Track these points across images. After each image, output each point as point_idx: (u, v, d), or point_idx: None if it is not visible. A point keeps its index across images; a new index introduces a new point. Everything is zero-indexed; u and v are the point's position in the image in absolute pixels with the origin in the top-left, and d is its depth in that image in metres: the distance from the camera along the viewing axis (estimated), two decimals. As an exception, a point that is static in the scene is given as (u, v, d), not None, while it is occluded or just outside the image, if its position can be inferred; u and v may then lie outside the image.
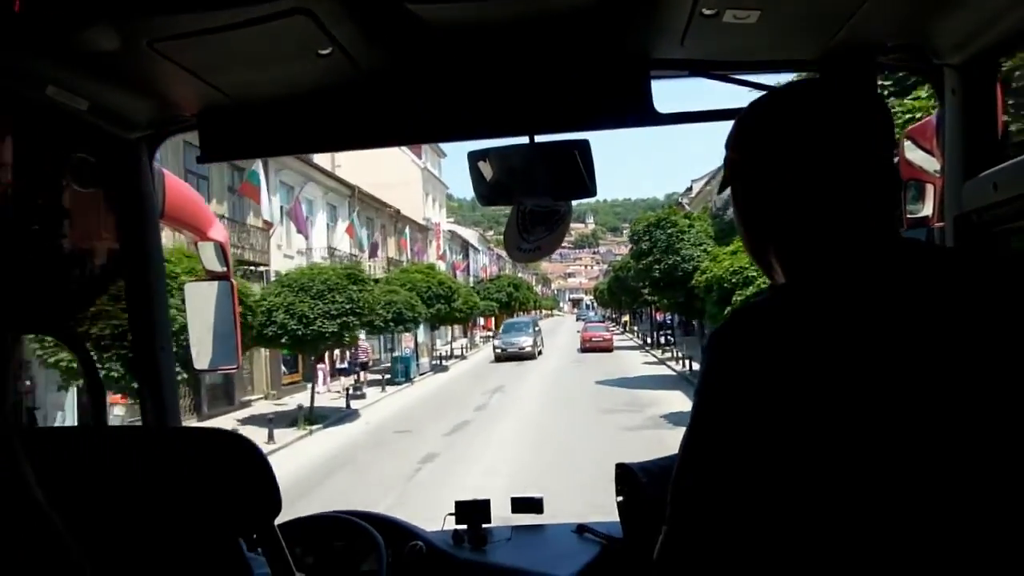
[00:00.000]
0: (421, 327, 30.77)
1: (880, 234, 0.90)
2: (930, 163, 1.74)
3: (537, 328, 39.24)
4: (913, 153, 1.77)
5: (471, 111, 1.66)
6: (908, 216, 1.81)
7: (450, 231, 51.98)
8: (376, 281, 25.27)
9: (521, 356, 34.44)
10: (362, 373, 25.52)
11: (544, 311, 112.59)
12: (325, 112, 1.67)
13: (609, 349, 38.36)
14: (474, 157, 1.73)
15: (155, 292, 1.83)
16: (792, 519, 0.80)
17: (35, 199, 1.63)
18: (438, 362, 34.68)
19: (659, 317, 39.98)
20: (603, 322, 56.87)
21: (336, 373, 25.91)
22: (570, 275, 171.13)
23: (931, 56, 1.49)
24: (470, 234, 59.84)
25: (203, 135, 1.72)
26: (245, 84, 1.58)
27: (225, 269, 2.23)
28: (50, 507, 1.09)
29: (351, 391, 22.54)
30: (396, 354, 29.89)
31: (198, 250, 2.22)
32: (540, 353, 36.47)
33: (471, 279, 53.75)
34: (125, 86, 1.55)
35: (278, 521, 1.76)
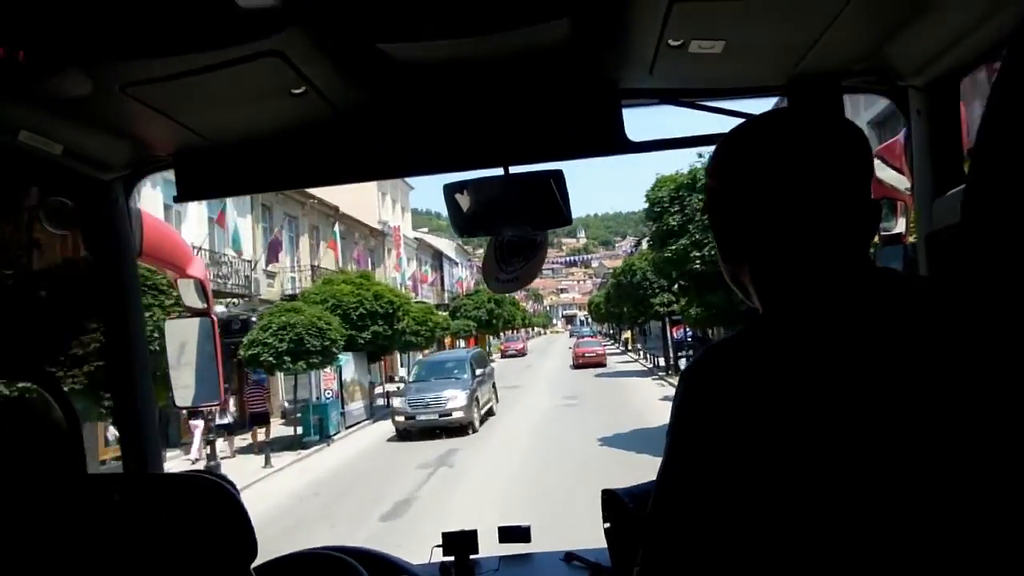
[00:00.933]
0: (349, 359, 20.53)
1: (852, 263, 0.91)
2: (900, 181, 1.77)
3: (483, 371, 20.93)
4: (883, 172, 1.80)
5: (446, 145, 1.67)
6: (882, 233, 1.83)
7: (418, 239, 45.40)
8: (293, 298, 19.87)
9: (445, 428, 17.84)
10: (260, 431, 17.01)
11: (536, 328, 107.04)
12: (300, 149, 1.68)
13: (602, 364, 38.22)
14: (450, 189, 1.74)
15: (133, 331, 1.82)
16: (763, 552, 0.80)
17: (10, 243, 1.63)
18: (385, 401, 23.61)
19: (675, 333, 28.44)
20: (595, 337, 56.72)
21: (218, 431, 15.78)
22: (563, 291, 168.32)
23: (895, 78, 1.52)
24: (445, 244, 53.62)
25: (179, 175, 1.72)
26: (219, 124, 1.59)
27: (206, 305, 2.22)
28: (32, 554, 1.08)
29: (209, 460, 14.56)
30: (309, 399, 18.62)
31: (178, 287, 2.22)
32: (491, 415, 20.58)
33: (446, 294, 48.83)
34: (99, 129, 1.56)
35: (265, 559, 1.75)
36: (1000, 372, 0.79)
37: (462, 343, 41.71)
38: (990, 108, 0.81)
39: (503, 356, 51.80)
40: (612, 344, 62.16)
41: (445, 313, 36.11)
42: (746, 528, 0.80)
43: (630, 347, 50.10)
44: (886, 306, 0.86)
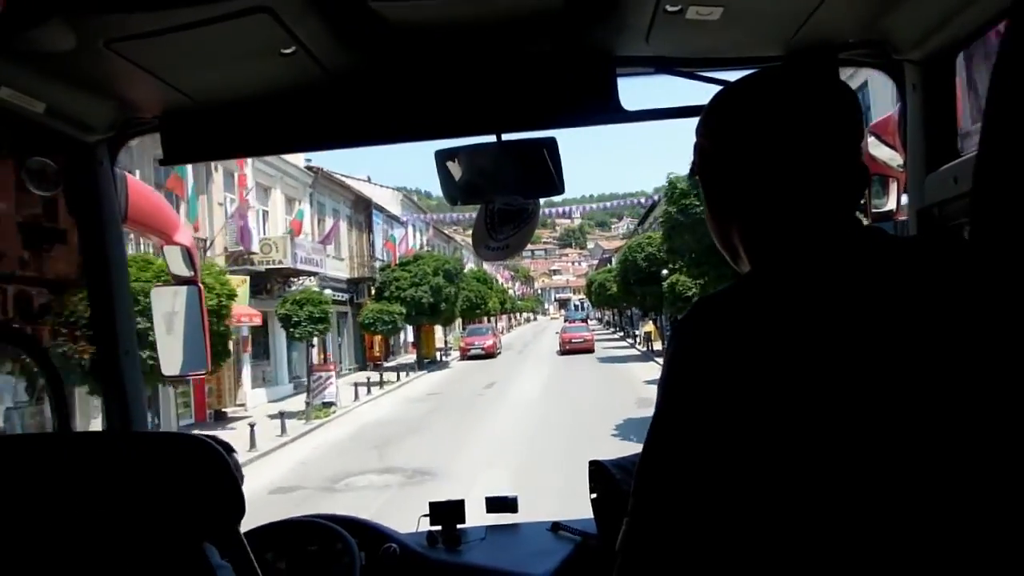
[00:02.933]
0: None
1: (841, 222, 0.91)
2: (893, 158, 1.76)
3: None
4: (877, 148, 1.79)
5: (437, 110, 1.65)
6: (873, 211, 1.82)
7: (313, 168, 27.26)
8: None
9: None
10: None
11: (525, 315, 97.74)
12: (289, 112, 1.65)
13: (590, 350, 38.38)
14: (442, 156, 1.72)
15: (118, 296, 1.80)
16: (757, 511, 0.80)
17: None
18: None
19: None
20: (585, 322, 54.85)
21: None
22: (555, 272, 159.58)
23: (891, 52, 1.51)
24: (384, 194, 39.00)
25: (165, 137, 1.69)
26: (207, 85, 1.56)
27: (192, 273, 2.20)
28: (15, 514, 1.08)
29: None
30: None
31: (164, 254, 2.19)
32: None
33: (376, 263, 33.18)
34: (83, 88, 1.52)
35: (252, 526, 1.74)
36: (989, 333, 0.79)
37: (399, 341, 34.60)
38: (996, 79, 0.80)
39: (463, 357, 37.72)
40: (616, 333, 54.32)
41: (330, 293, 24.66)
42: (735, 480, 0.80)
43: (648, 342, 34.68)
44: (873, 264, 0.86)
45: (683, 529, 0.82)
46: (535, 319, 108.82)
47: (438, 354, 38.28)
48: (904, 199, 1.66)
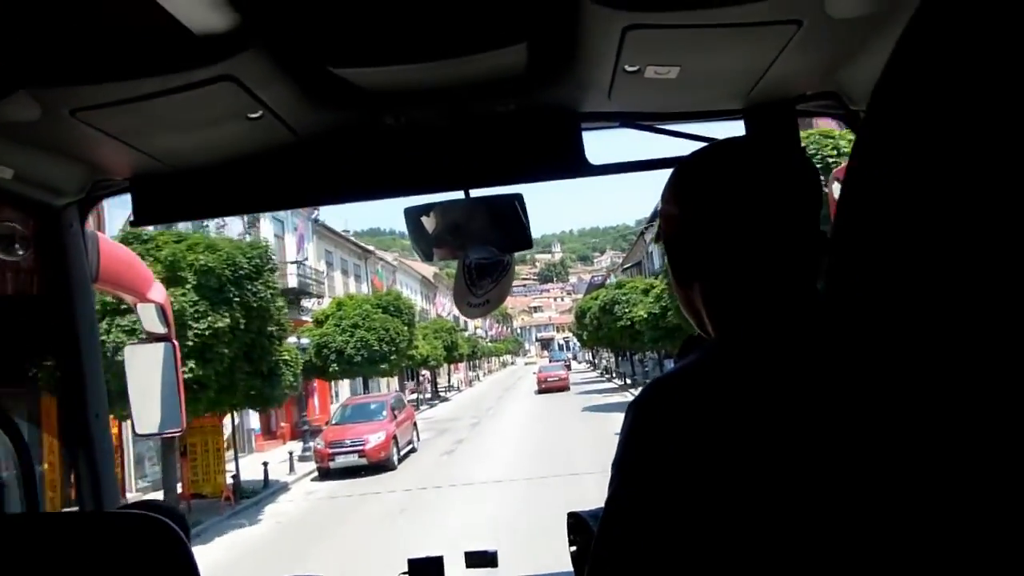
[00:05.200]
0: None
1: (799, 290, 0.92)
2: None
3: None
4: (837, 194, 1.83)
5: (406, 168, 1.67)
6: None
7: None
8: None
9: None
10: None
11: (502, 358, 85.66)
12: (259, 174, 1.67)
13: (565, 388, 40.22)
14: (413, 213, 1.73)
15: (87, 358, 1.78)
16: None
17: None
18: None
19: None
20: (566, 363, 52.86)
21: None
22: (536, 309, 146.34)
23: (847, 103, 1.55)
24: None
25: (136, 199, 1.70)
26: (176, 149, 1.57)
27: (167, 330, 2.19)
28: None
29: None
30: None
31: (138, 313, 2.18)
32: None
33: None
34: (51, 153, 1.53)
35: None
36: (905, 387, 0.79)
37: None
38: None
39: (321, 472, 17.34)
40: (608, 380, 43.74)
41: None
42: (691, 560, 0.80)
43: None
44: (827, 334, 0.86)
45: None
46: (513, 362, 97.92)
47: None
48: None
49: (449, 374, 52.08)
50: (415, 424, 21.58)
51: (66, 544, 1.12)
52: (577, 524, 1.55)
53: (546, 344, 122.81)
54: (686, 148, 1.49)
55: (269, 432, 23.63)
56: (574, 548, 1.57)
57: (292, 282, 24.70)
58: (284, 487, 16.49)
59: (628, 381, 36.68)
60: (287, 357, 13.93)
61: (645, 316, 24.32)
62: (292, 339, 16.51)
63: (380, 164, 1.66)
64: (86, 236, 1.79)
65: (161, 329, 2.18)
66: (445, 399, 42.88)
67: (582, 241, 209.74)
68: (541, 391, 40.14)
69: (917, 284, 0.69)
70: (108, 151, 1.53)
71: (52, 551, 1.11)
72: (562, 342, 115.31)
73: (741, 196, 0.93)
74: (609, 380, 45.54)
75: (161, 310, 2.17)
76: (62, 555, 1.10)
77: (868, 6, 1.19)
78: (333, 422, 19.47)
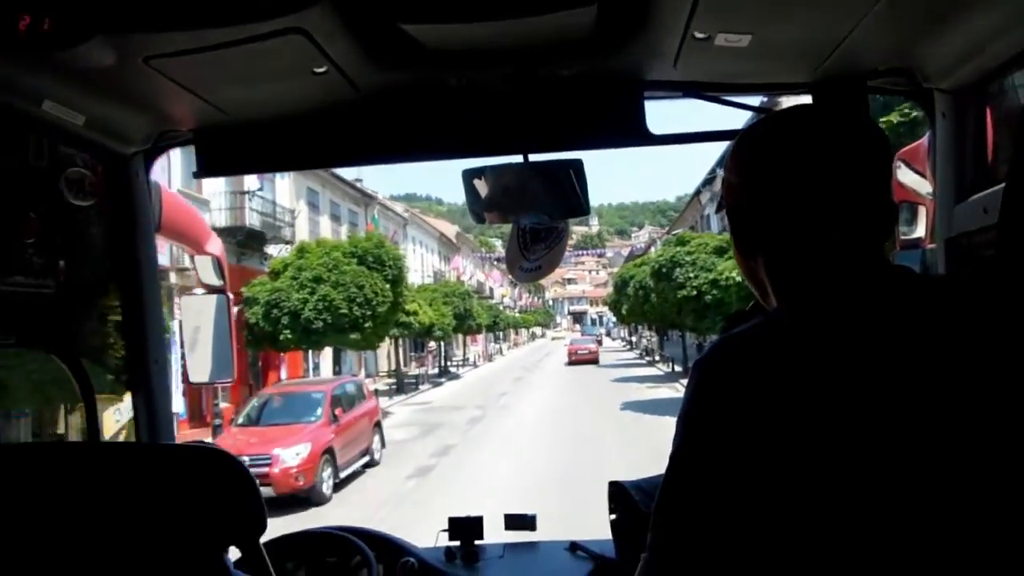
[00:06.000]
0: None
1: (868, 260, 0.91)
2: (922, 185, 1.75)
3: None
4: (905, 175, 1.79)
5: (466, 130, 1.67)
6: (901, 238, 1.82)
7: None
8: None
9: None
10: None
11: (531, 330, 78.17)
12: (321, 129, 1.68)
13: (596, 361, 40.54)
14: (469, 175, 1.74)
15: (150, 305, 1.83)
16: (775, 550, 0.80)
17: (31, 213, 1.64)
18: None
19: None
20: (598, 339, 51.96)
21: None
22: (570, 281, 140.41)
23: (921, 80, 1.51)
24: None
25: (199, 151, 1.73)
26: (241, 101, 1.59)
27: (222, 283, 2.24)
28: (41, 521, 1.10)
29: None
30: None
31: (195, 263, 2.23)
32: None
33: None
34: (121, 102, 1.56)
35: (270, 536, 1.76)
36: (1016, 373, 0.79)
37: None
38: None
39: None
40: (653, 371, 31.33)
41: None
42: (753, 521, 0.80)
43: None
44: (900, 304, 0.86)
45: (701, 567, 0.82)
46: (542, 334, 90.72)
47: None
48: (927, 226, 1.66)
49: (464, 346, 45.96)
50: (378, 424, 14.24)
51: (131, 472, 1.16)
52: (618, 493, 1.57)
53: (578, 318, 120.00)
54: (747, 121, 1.47)
55: (200, 418, 16.46)
56: (614, 516, 1.59)
57: (250, 220, 19.54)
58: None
59: (679, 368, 28.36)
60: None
61: (727, 283, 17.77)
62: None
63: (440, 124, 1.67)
64: (151, 185, 1.84)
65: (217, 281, 2.23)
66: (455, 376, 35.78)
67: (619, 215, 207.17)
68: (571, 363, 40.21)
69: None
70: (176, 101, 1.55)
71: (116, 478, 1.15)
72: (595, 316, 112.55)
73: (807, 165, 0.92)
74: (650, 363, 37.60)
75: (217, 262, 2.22)
76: (128, 482, 1.14)
77: None
78: (238, 422, 12.85)
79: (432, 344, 35.19)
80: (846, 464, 0.78)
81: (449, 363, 40.24)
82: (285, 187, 22.29)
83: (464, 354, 45.97)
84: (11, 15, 1.16)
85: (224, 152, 1.74)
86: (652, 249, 36.07)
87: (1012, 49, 1.28)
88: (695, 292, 19.18)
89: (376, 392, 18.17)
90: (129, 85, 1.47)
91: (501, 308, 54.80)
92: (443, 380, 33.18)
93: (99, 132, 1.63)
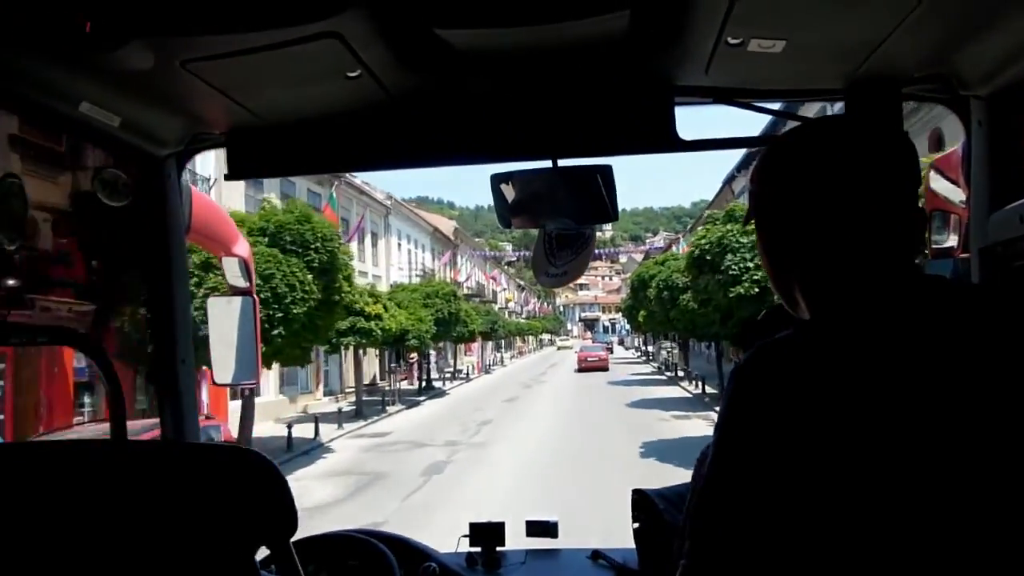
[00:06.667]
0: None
1: (902, 271, 0.91)
2: (956, 194, 1.74)
3: None
4: (939, 184, 1.77)
5: (496, 135, 1.67)
6: (934, 247, 1.80)
7: None
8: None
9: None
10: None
11: (543, 336, 73.53)
12: (351, 133, 1.69)
13: (605, 368, 41.62)
14: (497, 180, 1.74)
15: (179, 305, 1.85)
16: (817, 555, 0.79)
17: (65, 212, 1.66)
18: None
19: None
20: (608, 347, 51.74)
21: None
22: (582, 287, 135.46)
23: (958, 87, 1.49)
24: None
25: (231, 153, 1.75)
26: (274, 104, 1.60)
27: (248, 285, 2.25)
28: (69, 520, 1.10)
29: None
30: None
31: (222, 265, 2.25)
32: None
33: None
34: (157, 104, 1.58)
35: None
36: None
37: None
38: None
39: None
40: (680, 392, 24.94)
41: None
42: (790, 527, 0.80)
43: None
44: (935, 313, 0.86)
45: (742, 572, 0.82)
46: (552, 341, 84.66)
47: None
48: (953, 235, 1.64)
49: (455, 356, 40.75)
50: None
51: (160, 471, 1.16)
52: (641, 501, 1.56)
53: (590, 325, 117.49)
54: (779, 127, 1.46)
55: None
56: (637, 525, 1.58)
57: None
58: None
59: (711, 390, 22.64)
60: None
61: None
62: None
63: (470, 129, 1.67)
64: (182, 187, 1.86)
65: (243, 283, 2.25)
66: (440, 393, 30.33)
67: (633, 220, 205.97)
68: (581, 369, 41.87)
69: None
70: (210, 104, 1.57)
71: (145, 477, 1.15)
72: (607, 323, 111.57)
73: (840, 177, 0.92)
74: (671, 380, 30.86)
75: (244, 264, 2.23)
76: (156, 481, 1.14)
77: None
78: None
79: (414, 355, 29.46)
80: (882, 475, 0.78)
81: (441, 375, 36.27)
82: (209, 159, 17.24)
83: (455, 366, 40.71)
84: (53, 18, 1.18)
85: (254, 154, 1.75)
86: (674, 248, 31.47)
87: None
88: (757, 289, 13.74)
89: (316, 420, 16.12)
90: (165, 88, 1.48)
91: (507, 314, 50.93)
92: (422, 399, 27.74)
93: (134, 134, 1.64)
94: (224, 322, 2.17)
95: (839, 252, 0.92)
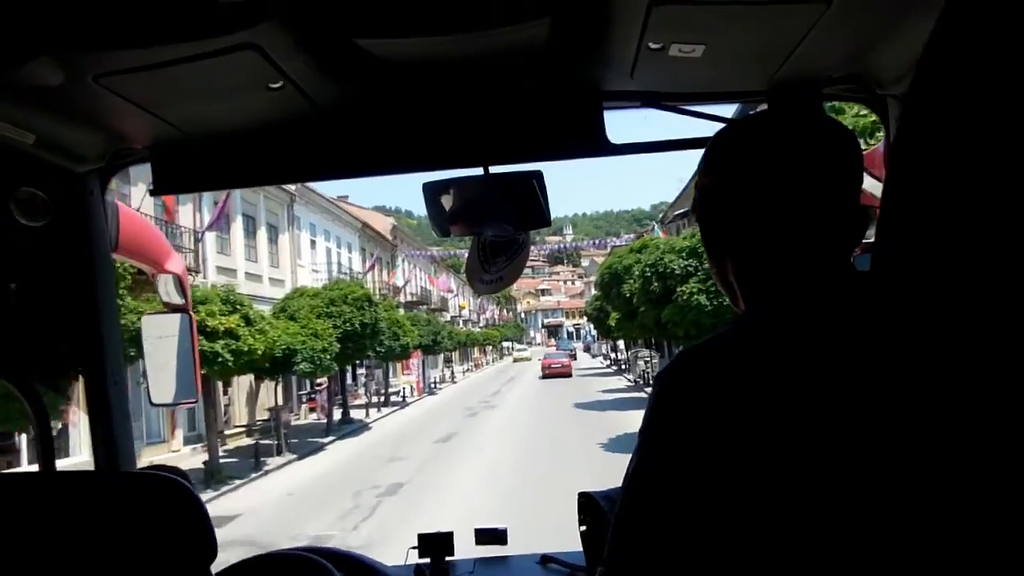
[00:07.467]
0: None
1: (832, 265, 0.92)
2: (879, 189, 1.77)
3: None
4: (865, 180, 1.80)
5: (425, 143, 1.67)
6: (864, 241, 1.83)
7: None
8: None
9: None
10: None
11: (505, 344, 67.28)
12: (278, 145, 1.66)
13: (568, 375, 42.96)
14: (430, 189, 1.73)
15: (107, 325, 1.79)
16: (731, 560, 0.79)
17: None
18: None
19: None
20: (571, 353, 52.75)
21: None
22: (544, 292, 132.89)
23: (874, 87, 1.53)
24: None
25: (155, 168, 1.70)
26: (196, 117, 1.57)
27: (184, 301, 2.20)
28: None
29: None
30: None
31: (156, 283, 2.19)
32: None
33: None
34: (72, 120, 1.54)
35: (235, 559, 1.73)
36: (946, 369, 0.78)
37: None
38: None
39: None
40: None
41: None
42: (715, 534, 0.79)
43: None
44: (861, 309, 0.86)
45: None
46: (511, 351, 76.29)
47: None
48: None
49: (386, 376, 32.02)
50: None
51: (84, 501, 1.13)
52: (587, 504, 1.56)
53: (553, 331, 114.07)
54: (709, 130, 1.48)
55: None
56: (584, 528, 1.58)
57: None
58: None
59: None
60: None
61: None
62: None
63: (399, 137, 1.66)
64: (107, 204, 1.80)
65: (178, 300, 2.20)
66: (358, 427, 23.54)
67: (595, 224, 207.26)
68: (545, 376, 43.44)
69: (964, 262, 0.68)
70: (129, 118, 1.53)
71: (69, 507, 1.12)
72: (571, 329, 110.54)
73: (768, 169, 0.93)
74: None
75: (179, 281, 2.18)
76: (81, 511, 1.11)
77: None
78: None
79: (322, 381, 22.02)
80: (812, 476, 0.78)
81: (369, 399, 28.51)
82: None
83: (385, 388, 31.62)
84: None
85: (181, 169, 1.71)
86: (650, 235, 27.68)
87: None
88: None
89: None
90: (79, 103, 1.44)
91: (460, 322, 45.94)
92: (328, 441, 20.38)
93: (50, 151, 1.59)
94: (160, 341, 2.12)
95: (771, 245, 0.93)
